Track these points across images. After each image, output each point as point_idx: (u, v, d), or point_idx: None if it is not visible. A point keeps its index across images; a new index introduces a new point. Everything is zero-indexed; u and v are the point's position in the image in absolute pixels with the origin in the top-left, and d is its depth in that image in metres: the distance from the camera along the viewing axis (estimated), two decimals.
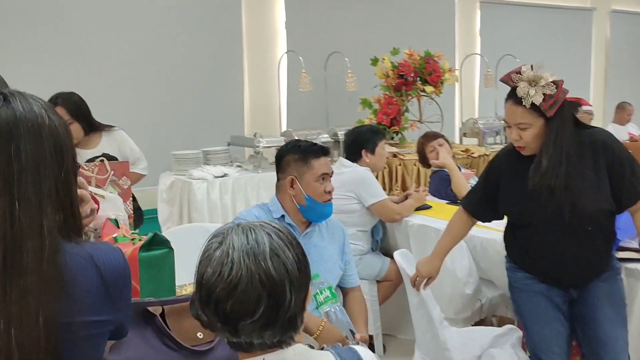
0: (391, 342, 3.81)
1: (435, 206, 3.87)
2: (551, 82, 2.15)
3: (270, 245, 1.17)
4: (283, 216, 2.40)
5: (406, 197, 3.82)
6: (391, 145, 5.59)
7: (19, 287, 1.05)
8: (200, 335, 1.65)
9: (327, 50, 5.77)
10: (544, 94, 2.14)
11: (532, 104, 2.16)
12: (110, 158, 3.41)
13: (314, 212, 2.39)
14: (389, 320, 3.79)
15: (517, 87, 2.17)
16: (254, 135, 5.09)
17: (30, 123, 1.10)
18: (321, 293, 2.20)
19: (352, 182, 3.59)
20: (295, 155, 2.41)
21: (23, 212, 1.07)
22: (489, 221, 2.60)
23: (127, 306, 1.25)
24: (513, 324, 3.03)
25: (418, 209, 3.75)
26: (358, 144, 3.69)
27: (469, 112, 7.25)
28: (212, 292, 1.14)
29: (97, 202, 2.12)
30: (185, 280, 2.44)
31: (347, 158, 3.73)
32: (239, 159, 5.35)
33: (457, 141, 6.34)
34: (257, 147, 4.98)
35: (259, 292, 1.13)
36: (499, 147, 5.42)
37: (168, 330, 1.61)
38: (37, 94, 3.17)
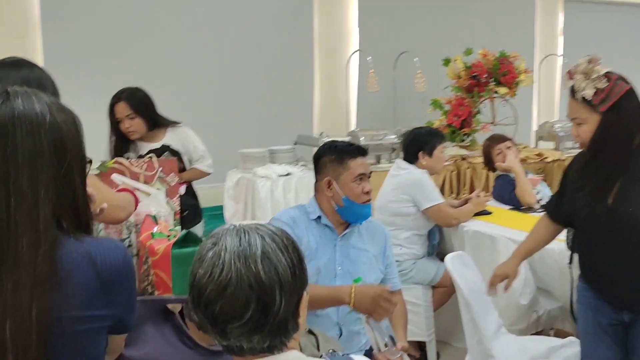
0: (445, 349, 3.72)
1: (496, 212, 3.75)
2: (603, 75, 2.03)
3: (262, 248, 1.16)
4: (320, 217, 2.38)
5: (466, 202, 3.72)
6: (461, 147, 5.47)
7: (13, 280, 1.08)
8: None
9: (397, 50, 5.70)
10: (596, 88, 2.03)
11: (585, 99, 2.05)
12: (172, 152, 3.52)
13: (352, 213, 2.36)
14: (444, 327, 3.71)
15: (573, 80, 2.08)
16: (320, 135, 5.10)
17: (28, 120, 1.13)
18: None
19: (407, 185, 3.53)
20: (331, 156, 2.38)
21: (18, 207, 1.10)
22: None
23: (128, 302, 1.26)
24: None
25: (477, 214, 3.64)
26: (415, 146, 3.62)
27: (548, 114, 6.98)
28: (202, 293, 1.14)
29: (136, 198, 2.19)
30: None
31: (404, 160, 3.67)
32: (305, 158, 5.37)
33: (532, 145, 6.12)
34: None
35: (248, 295, 1.12)
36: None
37: (186, 328, 1.63)
38: (112, 89, 3.31)
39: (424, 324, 3.55)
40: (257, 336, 1.15)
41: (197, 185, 3.80)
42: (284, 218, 2.37)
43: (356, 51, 5.90)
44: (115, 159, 2.55)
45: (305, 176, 4.89)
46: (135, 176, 2.51)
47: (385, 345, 2.11)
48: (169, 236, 2.10)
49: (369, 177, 2.38)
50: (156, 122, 3.56)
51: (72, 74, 5.28)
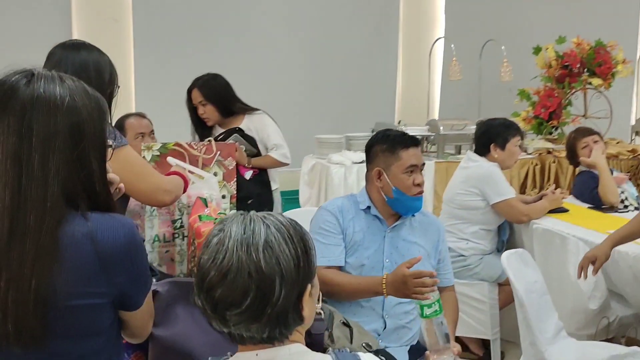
0: (511, 349, 3.59)
1: (573, 210, 3.57)
2: None
3: (265, 237, 1.16)
4: (369, 207, 2.34)
5: (541, 198, 3.56)
6: (547, 140, 5.24)
7: (19, 251, 1.15)
8: None
9: (484, 38, 5.51)
10: None
11: None
12: (244, 135, 3.56)
13: (402, 205, 2.31)
14: (510, 326, 3.56)
15: None
16: (398, 123, 5.03)
17: (46, 102, 1.18)
18: (429, 306, 2.10)
19: (476, 178, 3.42)
20: (383, 146, 2.33)
21: (29, 184, 1.16)
22: None
23: (132, 280, 1.29)
24: None
25: (552, 211, 3.47)
26: (487, 138, 3.50)
27: None
28: (204, 278, 1.16)
29: (186, 181, 2.23)
30: None
31: (475, 152, 3.55)
32: None
33: (627, 140, 5.77)
34: None
35: (247, 284, 1.12)
36: None
37: None
38: (197, 75, 3.38)
39: (489, 322, 3.44)
40: (255, 325, 1.15)
41: (276, 170, 3.78)
42: (330, 207, 2.35)
43: (439, 38, 5.75)
44: (176, 141, 2.61)
45: None
46: (194, 159, 2.55)
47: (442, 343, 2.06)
48: (216, 219, 2.12)
49: (422, 169, 2.31)
50: (229, 110, 3.62)
51: (161, 59, 5.47)
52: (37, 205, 1.16)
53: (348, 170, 4.73)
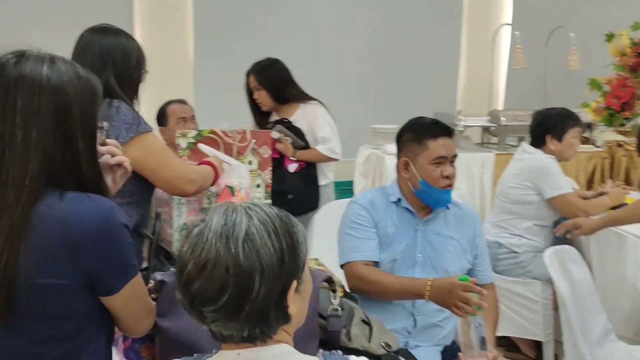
0: None
1: None
2: None
3: (246, 229, 1.08)
4: (399, 200, 2.24)
5: (602, 194, 3.35)
6: (618, 133, 4.94)
7: None
8: None
9: (551, 24, 5.24)
10: None
11: None
12: (291, 127, 3.49)
13: (430, 197, 2.19)
14: None
15: None
16: (457, 113, 4.86)
17: (30, 81, 1.19)
18: None
19: (530, 171, 3.24)
20: (410, 135, 2.22)
21: (11, 161, 1.18)
22: None
23: (105, 264, 1.26)
24: None
25: (613, 208, 3.25)
26: (543, 128, 3.30)
27: None
28: (183, 270, 1.10)
29: (217, 171, 2.19)
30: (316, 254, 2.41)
31: (531, 143, 3.37)
32: None
33: None
34: (457, 125, 4.74)
35: (224, 279, 1.06)
36: None
37: None
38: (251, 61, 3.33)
39: (542, 323, 3.26)
40: (233, 323, 1.09)
41: (327, 164, 3.64)
42: (361, 200, 2.26)
43: (503, 25, 5.51)
44: (211, 128, 2.58)
45: None
46: (228, 147, 2.52)
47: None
48: None
49: (453, 160, 2.18)
50: (283, 97, 3.54)
51: (220, 47, 5.49)
52: (16, 182, 1.17)
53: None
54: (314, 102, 3.58)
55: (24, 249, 1.17)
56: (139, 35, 5.21)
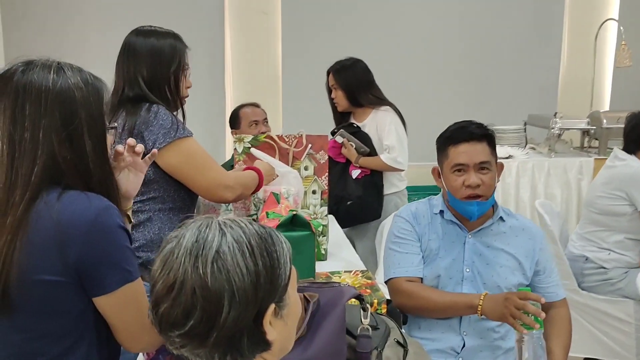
0: None
1: None
2: None
3: (217, 247, 0.99)
4: (443, 211, 2.07)
5: None
6: None
7: (2, 225, 1.23)
8: None
9: None
10: None
11: None
12: (355, 133, 3.39)
13: (458, 208, 2.03)
14: None
15: None
16: (554, 115, 4.56)
17: (38, 87, 1.25)
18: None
19: (622, 179, 2.95)
20: (439, 141, 2.07)
21: (20, 162, 1.24)
22: None
23: (94, 263, 1.25)
24: None
25: None
26: (638, 133, 2.99)
27: None
28: (153, 289, 1.03)
29: (261, 177, 2.14)
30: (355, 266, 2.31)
31: (624, 149, 3.06)
32: (535, 140, 4.86)
33: None
34: (553, 128, 4.45)
35: (190, 302, 0.97)
36: None
37: None
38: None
39: (634, 346, 2.96)
40: (201, 350, 1.00)
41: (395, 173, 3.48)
42: (404, 213, 2.12)
43: (608, 20, 5.10)
44: (267, 133, 2.53)
45: (529, 160, 4.43)
46: (284, 152, 2.46)
47: None
48: (282, 217, 2.00)
49: (479, 168, 1.98)
50: (357, 101, 3.45)
51: (308, 50, 5.46)
52: (24, 182, 1.23)
53: None
54: (386, 107, 3.44)
55: (19, 246, 1.21)
56: (228, 40, 5.30)
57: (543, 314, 1.75)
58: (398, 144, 3.34)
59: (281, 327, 1.06)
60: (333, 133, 3.50)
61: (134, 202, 1.73)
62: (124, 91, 1.95)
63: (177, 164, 1.93)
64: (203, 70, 5.37)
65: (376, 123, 3.43)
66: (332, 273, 2.17)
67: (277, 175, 2.31)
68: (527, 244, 2.06)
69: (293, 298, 1.11)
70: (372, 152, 3.38)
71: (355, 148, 3.36)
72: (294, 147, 2.47)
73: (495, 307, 1.84)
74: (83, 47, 4.84)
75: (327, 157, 2.49)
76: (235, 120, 3.39)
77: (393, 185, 3.48)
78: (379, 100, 3.46)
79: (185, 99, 2.09)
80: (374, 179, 3.39)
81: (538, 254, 2.06)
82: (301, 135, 2.49)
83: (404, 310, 2.00)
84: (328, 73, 3.52)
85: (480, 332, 2.01)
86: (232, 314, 0.97)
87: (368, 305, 1.62)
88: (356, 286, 1.97)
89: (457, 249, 2.04)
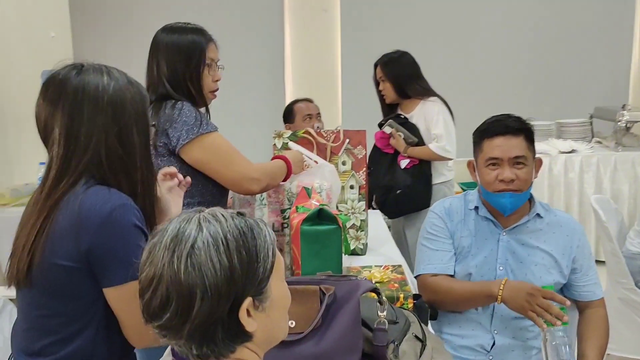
0: None
1: None
2: None
3: (193, 241, 1.01)
4: (477, 207, 2.02)
5: None
6: None
7: (43, 208, 1.35)
8: (292, 323, 1.53)
9: None
10: None
11: None
12: (404, 123, 3.38)
13: (492, 202, 1.97)
14: None
15: None
16: (622, 107, 4.37)
17: (94, 87, 1.37)
18: None
19: None
20: (475, 134, 2.01)
21: (73, 154, 1.35)
22: None
23: (102, 254, 1.32)
24: None
25: None
26: None
27: None
28: (140, 280, 1.06)
29: (289, 165, 2.14)
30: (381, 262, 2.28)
31: None
32: (602, 134, 4.67)
33: None
34: (620, 120, 4.26)
35: (165, 294, 1.01)
36: None
37: None
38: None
39: None
40: (179, 341, 1.03)
41: (444, 163, 3.47)
42: (437, 209, 2.08)
43: None
44: (306, 129, 2.54)
45: (594, 154, 4.27)
46: (322, 147, 2.47)
47: None
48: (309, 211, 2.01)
49: (514, 162, 1.91)
50: (405, 92, 3.48)
51: (366, 47, 5.45)
52: (72, 172, 1.34)
53: (553, 161, 4.27)
54: (433, 98, 3.46)
55: (47, 229, 1.32)
56: (288, 37, 5.35)
57: (566, 317, 1.72)
58: (446, 132, 3.34)
59: (263, 319, 1.07)
60: (380, 125, 3.51)
61: None
62: (148, 90, 1.99)
63: (202, 158, 1.96)
64: (263, 67, 5.46)
65: (424, 114, 3.45)
66: (363, 268, 2.16)
67: (308, 165, 2.32)
68: (565, 240, 1.98)
69: (278, 290, 1.12)
70: (420, 143, 3.39)
71: (403, 138, 3.38)
72: (332, 142, 2.48)
73: (516, 298, 1.80)
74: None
75: (364, 152, 2.49)
76: (289, 115, 3.48)
77: (441, 175, 3.48)
78: (426, 91, 3.49)
79: (214, 93, 2.10)
80: (423, 168, 3.40)
81: (575, 251, 1.98)
82: (339, 130, 2.49)
83: (434, 306, 1.98)
84: (375, 66, 3.57)
85: (513, 331, 1.95)
86: (204, 307, 0.99)
87: (385, 299, 1.61)
88: (384, 281, 1.95)
89: (491, 247, 1.99)
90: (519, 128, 1.94)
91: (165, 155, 1.97)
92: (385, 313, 1.61)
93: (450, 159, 3.41)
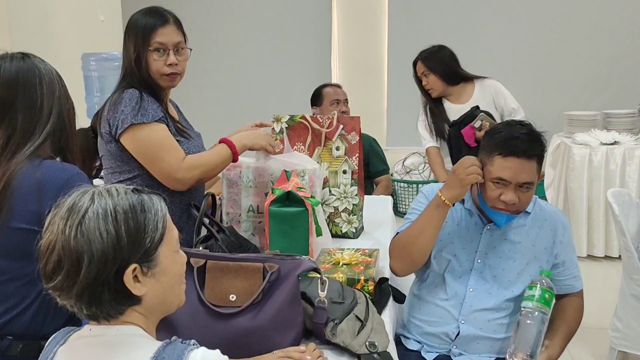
0: None
1: None
2: None
3: (85, 212, 1.12)
4: (464, 200, 2.00)
5: None
6: None
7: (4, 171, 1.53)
8: (232, 297, 1.61)
9: None
10: None
11: None
12: (484, 113, 3.35)
13: (487, 212, 1.94)
14: None
15: None
16: None
17: (32, 74, 1.59)
18: (530, 288, 1.88)
19: None
20: (489, 139, 1.91)
21: (17, 138, 1.55)
22: None
23: None
24: None
25: None
26: None
27: None
28: (40, 246, 1.17)
29: (234, 150, 2.16)
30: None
31: None
32: None
33: None
34: None
35: (57, 260, 1.11)
36: None
37: (199, 285, 1.63)
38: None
39: None
40: (71, 301, 1.14)
41: None
42: (426, 189, 2.09)
43: None
44: (302, 114, 2.60)
45: (637, 147, 4.08)
46: (317, 132, 2.52)
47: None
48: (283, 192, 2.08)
49: (524, 186, 1.85)
50: (455, 77, 3.52)
51: (412, 50, 5.43)
52: (33, 141, 1.56)
53: (593, 152, 4.13)
54: (486, 78, 3.52)
55: (9, 195, 1.49)
56: (335, 24, 5.40)
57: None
58: (519, 106, 3.42)
59: (153, 284, 1.16)
60: (452, 125, 3.38)
61: (120, 181, 1.90)
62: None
63: (133, 149, 1.95)
64: (311, 54, 5.52)
65: (490, 92, 3.47)
66: (343, 250, 2.19)
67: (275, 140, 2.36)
68: (548, 235, 1.96)
69: (168, 259, 1.19)
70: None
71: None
72: (327, 128, 2.53)
73: (453, 185, 1.87)
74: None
75: (358, 137, 2.52)
76: (317, 98, 3.56)
77: None
78: (473, 75, 3.54)
79: (170, 77, 2.02)
80: None
81: (559, 247, 1.95)
82: (334, 116, 2.53)
83: (407, 267, 1.99)
84: (415, 63, 3.58)
85: (481, 322, 1.95)
86: (91, 271, 1.09)
87: (325, 279, 1.66)
88: (352, 263, 1.99)
89: (473, 238, 1.99)
90: (534, 154, 1.85)
91: (112, 141, 1.98)
92: (325, 292, 1.67)
93: None
